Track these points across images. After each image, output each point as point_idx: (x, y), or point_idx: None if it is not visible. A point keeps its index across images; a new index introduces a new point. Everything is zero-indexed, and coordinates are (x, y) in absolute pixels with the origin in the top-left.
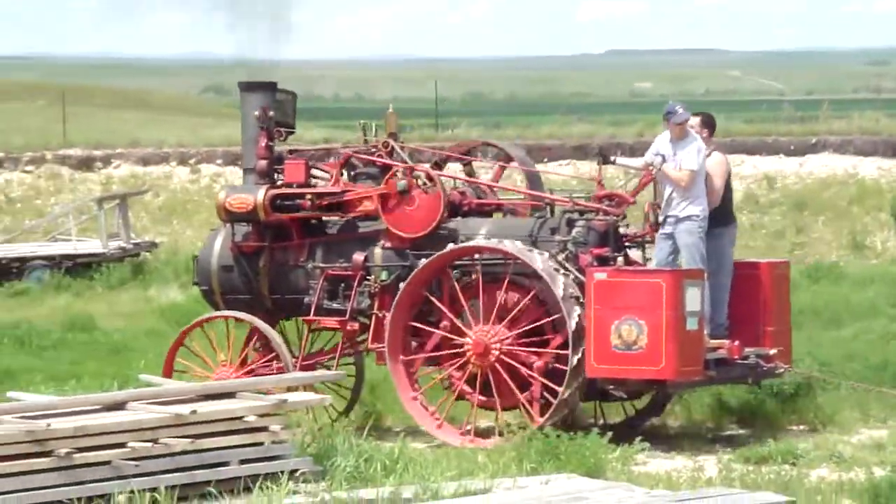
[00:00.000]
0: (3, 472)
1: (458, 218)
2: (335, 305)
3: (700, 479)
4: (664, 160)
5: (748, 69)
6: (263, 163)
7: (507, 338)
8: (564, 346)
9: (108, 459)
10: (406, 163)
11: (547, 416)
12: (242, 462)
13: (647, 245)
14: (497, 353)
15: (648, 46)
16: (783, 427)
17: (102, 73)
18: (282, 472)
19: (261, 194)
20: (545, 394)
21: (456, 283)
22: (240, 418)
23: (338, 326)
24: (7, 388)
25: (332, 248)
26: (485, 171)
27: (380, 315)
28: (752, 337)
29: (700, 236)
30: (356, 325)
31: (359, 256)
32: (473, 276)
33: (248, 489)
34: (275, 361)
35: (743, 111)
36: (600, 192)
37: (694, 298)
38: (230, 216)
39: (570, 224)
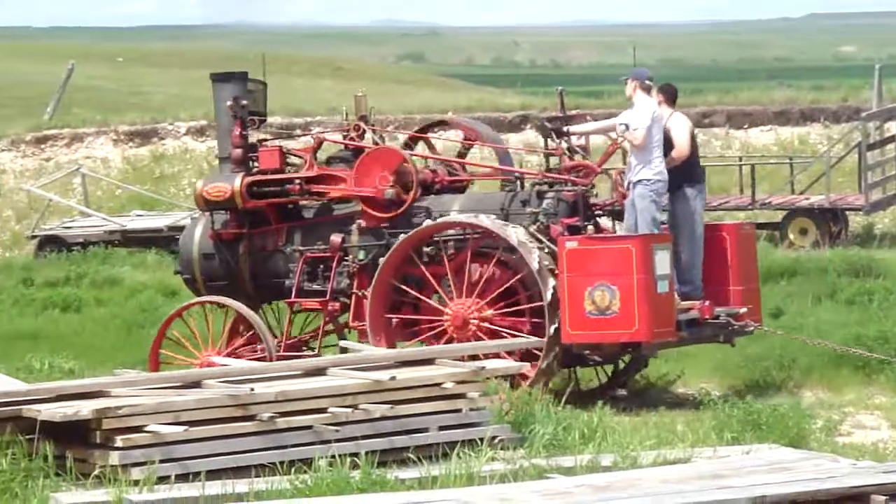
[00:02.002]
0: (208, 436)
1: (431, 195)
2: (315, 287)
3: None
4: (627, 128)
5: None
6: (238, 151)
7: (483, 308)
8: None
9: (309, 424)
10: (377, 145)
11: (526, 384)
12: (441, 428)
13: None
14: (475, 324)
15: (851, 9)
16: None
17: (299, 41)
18: (480, 439)
19: (237, 182)
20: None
21: (444, 256)
22: (438, 385)
23: (319, 307)
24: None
25: (310, 231)
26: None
27: (359, 294)
28: (722, 297)
29: (652, 200)
30: (337, 305)
31: (336, 238)
32: (450, 252)
33: (445, 455)
34: (258, 344)
35: None
36: (568, 164)
37: (663, 262)
38: (208, 205)
39: (541, 196)
